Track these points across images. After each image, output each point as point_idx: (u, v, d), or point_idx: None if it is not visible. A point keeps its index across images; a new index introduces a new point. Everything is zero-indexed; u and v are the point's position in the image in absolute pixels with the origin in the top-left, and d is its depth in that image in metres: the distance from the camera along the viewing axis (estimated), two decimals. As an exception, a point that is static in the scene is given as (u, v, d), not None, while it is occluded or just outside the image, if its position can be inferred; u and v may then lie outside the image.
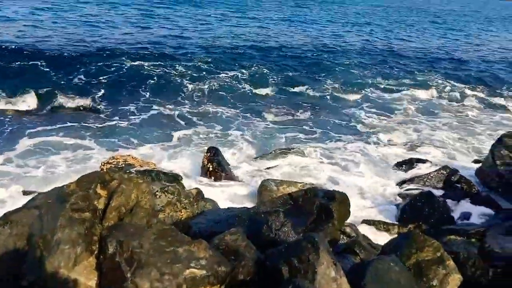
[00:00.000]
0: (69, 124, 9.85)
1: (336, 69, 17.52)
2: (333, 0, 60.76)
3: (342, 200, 4.83)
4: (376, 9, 54.39)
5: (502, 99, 15.96)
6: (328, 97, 14.26)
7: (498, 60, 23.80)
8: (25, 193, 6.72)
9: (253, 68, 16.01)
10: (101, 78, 13.05)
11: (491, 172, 8.16)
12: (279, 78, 15.31)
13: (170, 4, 34.96)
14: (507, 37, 35.74)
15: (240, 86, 14.02)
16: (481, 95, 16.17)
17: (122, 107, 11.25)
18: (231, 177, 7.40)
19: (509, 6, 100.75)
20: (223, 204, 6.12)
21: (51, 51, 14.81)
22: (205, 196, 6.19)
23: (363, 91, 15.18)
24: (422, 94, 15.76)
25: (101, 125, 9.97)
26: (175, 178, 6.88)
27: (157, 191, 5.30)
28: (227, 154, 8.27)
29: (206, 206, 5.74)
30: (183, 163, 8.13)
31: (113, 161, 7.80)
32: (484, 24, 47.10)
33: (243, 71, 15.53)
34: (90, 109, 10.96)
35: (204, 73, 14.84)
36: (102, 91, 12.11)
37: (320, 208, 4.66)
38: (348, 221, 5.52)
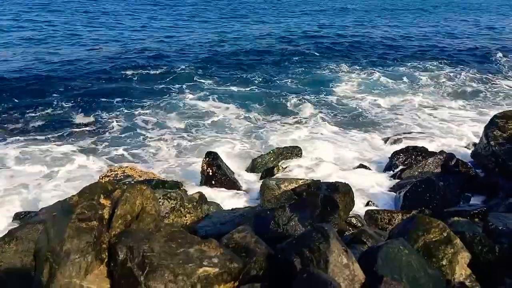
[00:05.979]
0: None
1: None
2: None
3: (345, 191, 4.87)
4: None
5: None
6: (309, 91, 14.36)
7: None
8: (17, 216, 6.31)
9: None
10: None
11: (487, 153, 8.25)
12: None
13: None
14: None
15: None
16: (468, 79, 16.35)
17: (107, 119, 11.20)
18: (232, 180, 7.40)
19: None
20: (227, 206, 6.11)
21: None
22: (208, 199, 6.18)
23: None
24: (409, 81, 15.95)
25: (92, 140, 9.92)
26: (176, 185, 6.86)
27: (160, 198, 5.29)
28: (225, 157, 8.25)
29: (210, 209, 5.73)
30: (182, 170, 8.11)
31: (111, 174, 7.75)
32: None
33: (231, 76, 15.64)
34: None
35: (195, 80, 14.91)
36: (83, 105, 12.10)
37: (324, 200, 4.69)
38: (352, 212, 5.54)
